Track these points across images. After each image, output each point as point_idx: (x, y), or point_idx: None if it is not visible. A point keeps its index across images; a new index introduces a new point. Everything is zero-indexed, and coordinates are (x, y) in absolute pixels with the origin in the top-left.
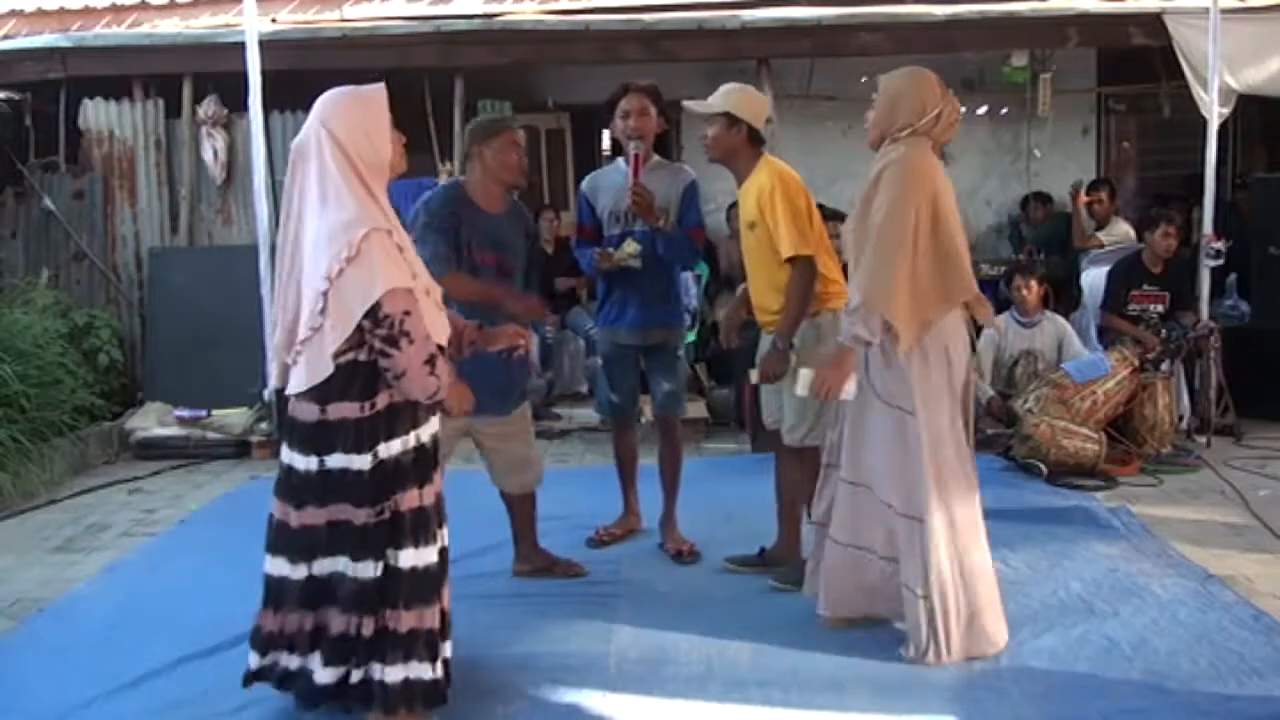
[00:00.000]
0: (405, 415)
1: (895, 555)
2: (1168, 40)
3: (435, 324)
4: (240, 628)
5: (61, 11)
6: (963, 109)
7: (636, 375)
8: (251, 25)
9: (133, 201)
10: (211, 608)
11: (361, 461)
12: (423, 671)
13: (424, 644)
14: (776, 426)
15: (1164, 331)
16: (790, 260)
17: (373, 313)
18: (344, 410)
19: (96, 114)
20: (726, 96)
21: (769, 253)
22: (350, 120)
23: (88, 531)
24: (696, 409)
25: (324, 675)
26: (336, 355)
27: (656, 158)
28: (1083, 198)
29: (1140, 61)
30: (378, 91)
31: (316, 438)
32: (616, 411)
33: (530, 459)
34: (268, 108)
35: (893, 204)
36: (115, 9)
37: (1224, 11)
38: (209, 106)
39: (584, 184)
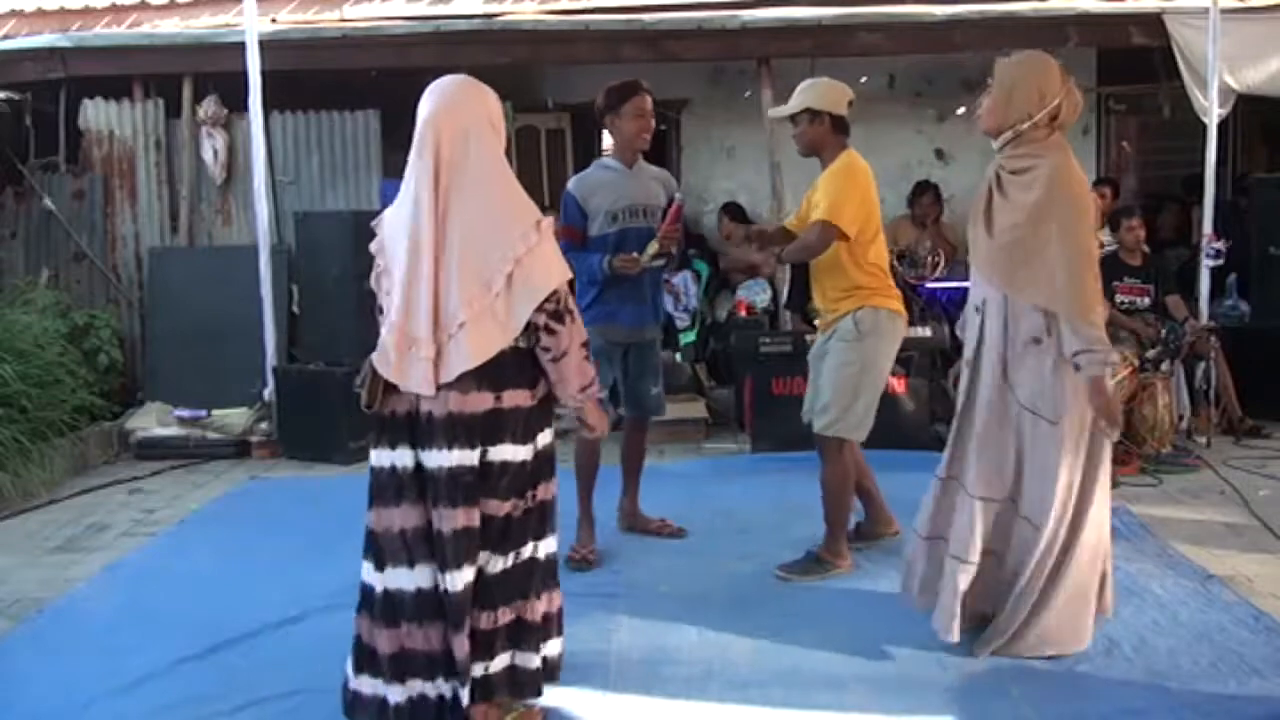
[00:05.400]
0: (551, 405)
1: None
2: (1168, 40)
3: None
4: (240, 627)
5: (61, 11)
6: (961, 109)
7: (619, 373)
8: (251, 25)
9: (133, 201)
10: (211, 608)
11: (525, 452)
12: (530, 660)
13: (555, 627)
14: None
15: (1164, 331)
16: (815, 221)
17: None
18: (518, 398)
19: (96, 114)
20: (803, 94)
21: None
22: (491, 109)
23: (88, 531)
24: (696, 409)
25: (476, 669)
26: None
27: (640, 160)
28: None
29: (1140, 61)
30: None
31: (486, 428)
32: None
33: None
34: (268, 108)
35: (1073, 228)
36: (115, 9)
37: (1224, 11)
38: (209, 106)
39: (573, 185)
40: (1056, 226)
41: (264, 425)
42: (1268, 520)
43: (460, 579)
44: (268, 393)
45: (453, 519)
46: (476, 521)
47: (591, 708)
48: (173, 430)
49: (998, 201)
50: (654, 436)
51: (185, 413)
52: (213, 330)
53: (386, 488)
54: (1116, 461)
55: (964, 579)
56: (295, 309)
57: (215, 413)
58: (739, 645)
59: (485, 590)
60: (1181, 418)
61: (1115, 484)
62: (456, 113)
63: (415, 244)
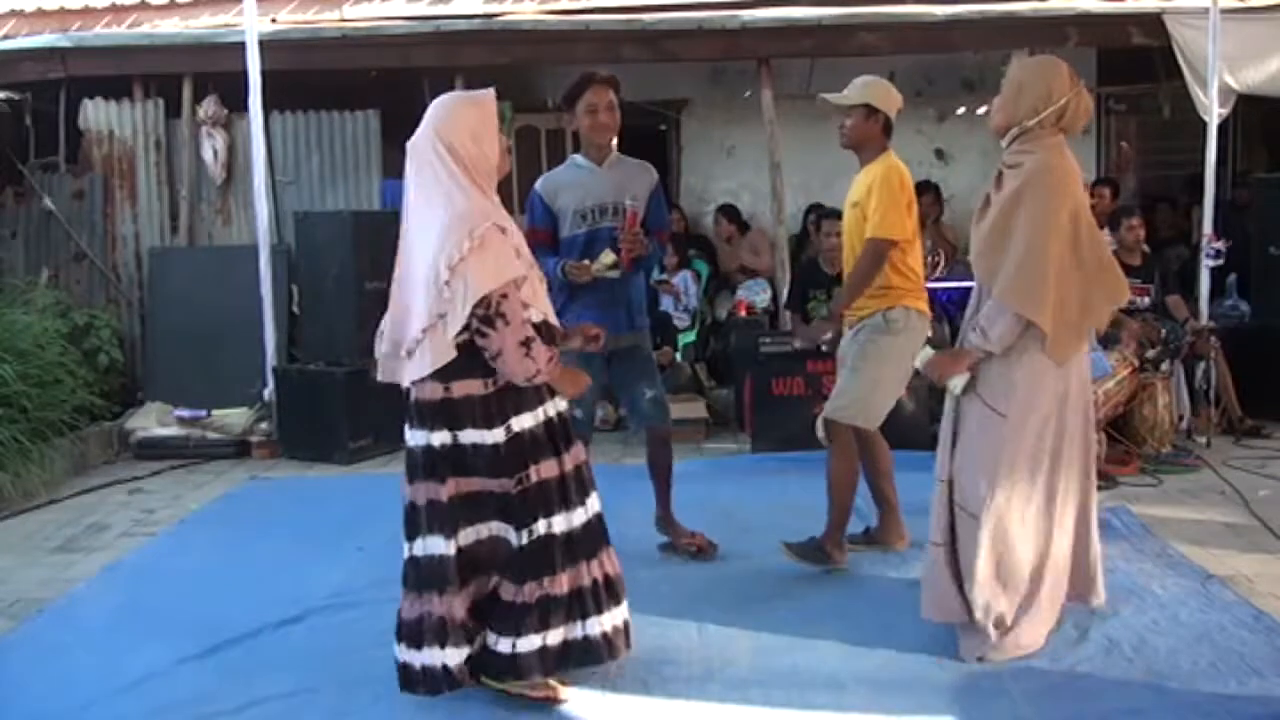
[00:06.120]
0: (532, 390)
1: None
2: (1168, 40)
3: (542, 300)
4: (240, 627)
5: (61, 11)
6: (961, 109)
7: (599, 389)
8: (251, 25)
9: (133, 201)
10: (211, 608)
11: (494, 436)
12: (574, 631)
13: (590, 600)
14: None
15: (1164, 331)
16: (870, 240)
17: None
18: (468, 387)
19: (96, 114)
20: (866, 89)
21: (864, 231)
22: (460, 124)
23: (88, 531)
24: (696, 409)
25: (503, 645)
26: (455, 336)
27: (615, 154)
28: None
29: (1140, 61)
30: (487, 97)
31: (446, 414)
32: (576, 428)
33: None
34: (268, 108)
35: (1041, 217)
36: (115, 9)
37: (1224, 11)
38: (209, 106)
39: (540, 184)
40: (1024, 218)
41: (264, 425)
42: (1268, 520)
43: (425, 546)
44: (268, 393)
45: (414, 492)
46: (443, 497)
47: (591, 708)
48: (173, 430)
49: (992, 194)
50: (648, 445)
51: (185, 413)
52: (213, 330)
53: None
54: (1117, 461)
55: (935, 560)
56: (295, 309)
57: (215, 413)
58: (739, 645)
59: (509, 565)
60: (1181, 418)
61: (1115, 484)
62: (418, 134)
63: (401, 248)
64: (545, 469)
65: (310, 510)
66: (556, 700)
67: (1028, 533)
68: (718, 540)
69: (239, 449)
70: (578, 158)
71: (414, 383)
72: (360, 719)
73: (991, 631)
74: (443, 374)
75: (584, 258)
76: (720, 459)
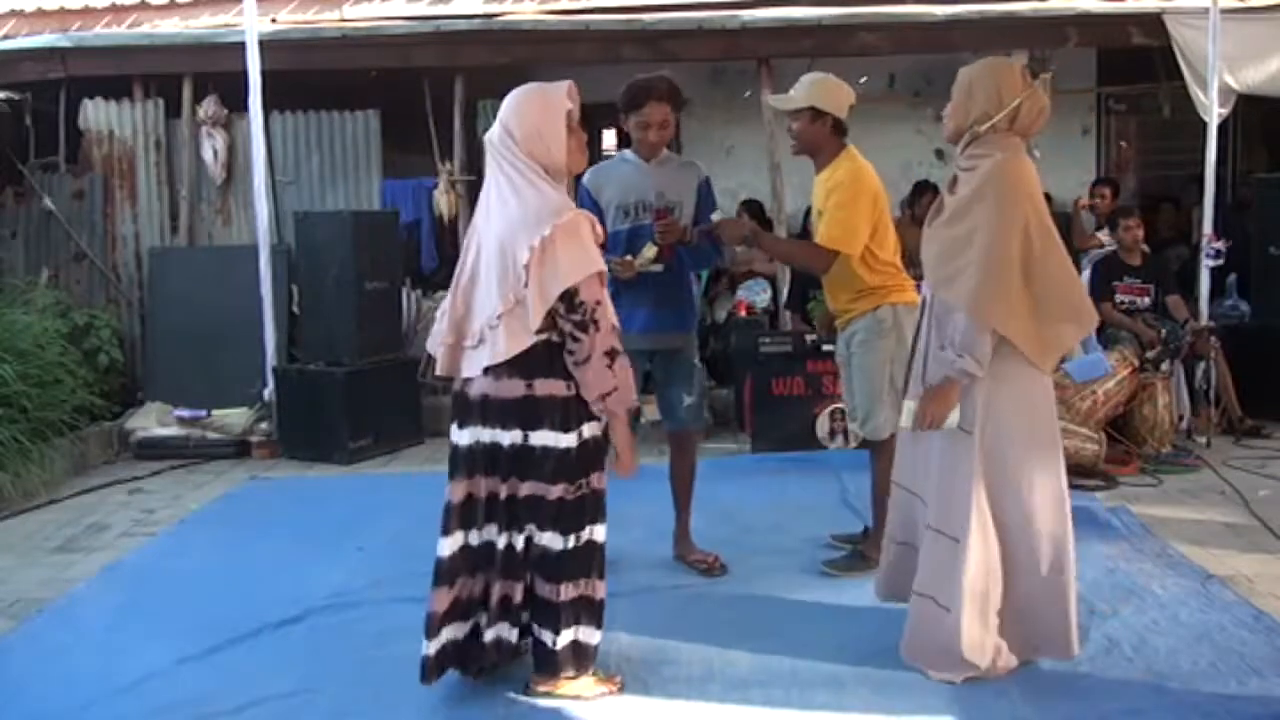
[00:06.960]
0: None
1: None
2: (1168, 40)
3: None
4: (240, 627)
5: (61, 11)
6: None
7: (640, 385)
8: (251, 25)
9: (133, 201)
10: (211, 608)
11: (568, 440)
12: (592, 637)
13: (602, 609)
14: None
15: (1163, 331)
16: (817, 245)
17: (569, 296)
18: (551, 387)
19: (96, 114)
20: (810, 90)
21: None
22: (526, 118)
23: (88, 531)
24: None
25: (545, 637)
26: (539, 331)
27: (665, 151)
28: (1083, 201)
29: (1140, 61)
30: (558, 90)
31: (522, 413)
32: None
33: None
34: (268, 108)
35: (1000, 221)
36: (115, 9)
37: (1224, 11)
38: (209, 106)
39: (587, 178)
40: (980, 222)
41: (264, 425)
42: (1268, 520)
43: (479, 536)
44: (268, 393)
45: (473, 485)
46: (502, 494)
47: (592, 708)
48: (173, 430)
49: (946, 199)
50: (655, 435)
51: (185, 413)
52: (213, 330)
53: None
54: (1117, 461)
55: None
56: (295, 309)
57: (215, 413)
58: (739, 645)
59: (549, 565)
60: (1181, 418)
61: (1115, 484)
62: (497, 123)
63: (469, 241)
64: (599, 477)
65: (310, 510)
66: (615, 691)
67: (1008, 551)
68: (717, 540)
69: (239, 449)
70: (627, 153)
71: (489, 378)
72: (360, 719)
73: (973, 665)
74: (526, 370)
75: (626, 254)
76: (720, 459)
